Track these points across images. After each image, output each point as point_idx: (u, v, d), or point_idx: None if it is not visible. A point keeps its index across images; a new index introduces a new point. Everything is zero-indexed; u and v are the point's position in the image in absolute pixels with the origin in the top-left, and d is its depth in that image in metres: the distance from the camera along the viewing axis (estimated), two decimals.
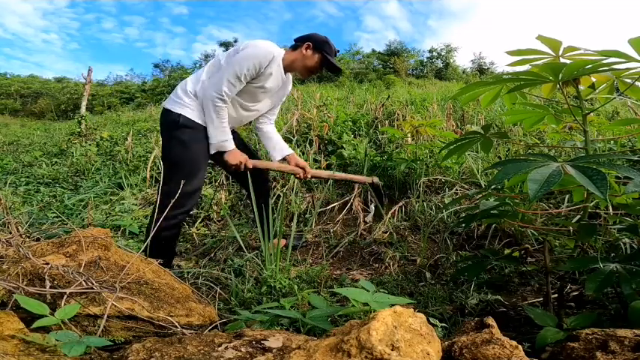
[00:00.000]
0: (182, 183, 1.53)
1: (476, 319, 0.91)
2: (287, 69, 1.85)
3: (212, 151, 1.77)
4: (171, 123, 1.72)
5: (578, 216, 1.65)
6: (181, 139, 1.69)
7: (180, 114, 1.71)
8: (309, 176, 2.09)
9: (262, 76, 1.74)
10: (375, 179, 2.37)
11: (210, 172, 3.34)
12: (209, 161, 1.86)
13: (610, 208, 1.67)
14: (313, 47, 1.80)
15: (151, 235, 1.37)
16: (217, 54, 1.85)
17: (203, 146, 1.75)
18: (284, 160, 2.08)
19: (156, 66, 30.02)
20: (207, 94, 1.69)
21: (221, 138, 1.75)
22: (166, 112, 1.75)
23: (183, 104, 1.73)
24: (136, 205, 2.89)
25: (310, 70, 1.85)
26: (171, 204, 1.40)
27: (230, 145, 1.79)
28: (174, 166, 1.69)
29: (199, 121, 1.73)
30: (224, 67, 1.70)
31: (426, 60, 24.99)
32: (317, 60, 1.82)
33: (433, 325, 1.03)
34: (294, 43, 1.87)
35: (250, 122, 2.08)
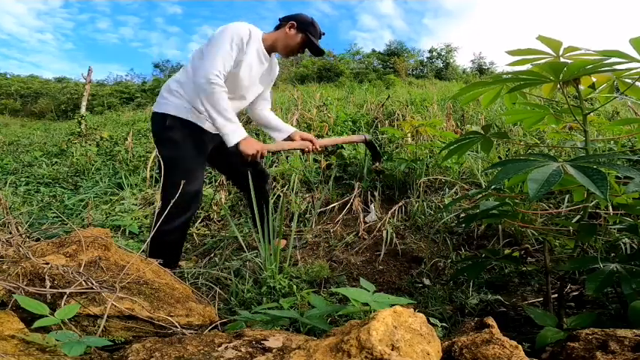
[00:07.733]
0: (181, 185, 1.41)
1: (476, 319, 0.91)
2: (269, 49, 1.79)
3: (229, 145, 1.59)
4: (159, 125, 1.66)
5: (578, 216, 1.65)
6: (172, 139, 1.62)
7: (166, 113, 1.64)
8: (319, 147, 1.98)
9: (245, 56, 1.66)
10: (368, 136, 2.32)
11: (210, 172, 3.34)
12: (205, 161, 1.77)
13: (610, 208, 1.67)
14: (297, 27, 1.74)
15: (154, 241, 1.32)
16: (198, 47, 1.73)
17: (196, 143, 1.66)
18: (289, 139, 1.99)
19: (156, 66, 30.08)
20: (198, 83, 1.54)
21: (229, 127, 1.57)
22: (154, 116, 1.70)
23: (167, 103, 1.66)
24: (136, 205, 2.89)
25: (291, 49, 1.78)
26: (172, 208, 1.31)
27: (242, 131, 1.61)
28: (170, 169, 1.59)
29: (185, 117, 1.64)
30: (207, 51, 1.61)
31: (425, 60, 25.01)
32: (299, 40, 1.75)
33: (433, 325, 1.03)
34: (278, 22, 1.81)
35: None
